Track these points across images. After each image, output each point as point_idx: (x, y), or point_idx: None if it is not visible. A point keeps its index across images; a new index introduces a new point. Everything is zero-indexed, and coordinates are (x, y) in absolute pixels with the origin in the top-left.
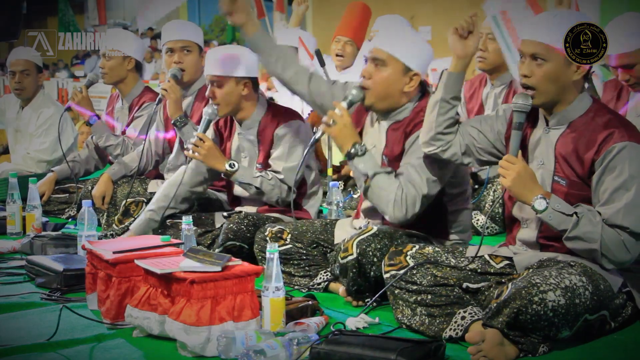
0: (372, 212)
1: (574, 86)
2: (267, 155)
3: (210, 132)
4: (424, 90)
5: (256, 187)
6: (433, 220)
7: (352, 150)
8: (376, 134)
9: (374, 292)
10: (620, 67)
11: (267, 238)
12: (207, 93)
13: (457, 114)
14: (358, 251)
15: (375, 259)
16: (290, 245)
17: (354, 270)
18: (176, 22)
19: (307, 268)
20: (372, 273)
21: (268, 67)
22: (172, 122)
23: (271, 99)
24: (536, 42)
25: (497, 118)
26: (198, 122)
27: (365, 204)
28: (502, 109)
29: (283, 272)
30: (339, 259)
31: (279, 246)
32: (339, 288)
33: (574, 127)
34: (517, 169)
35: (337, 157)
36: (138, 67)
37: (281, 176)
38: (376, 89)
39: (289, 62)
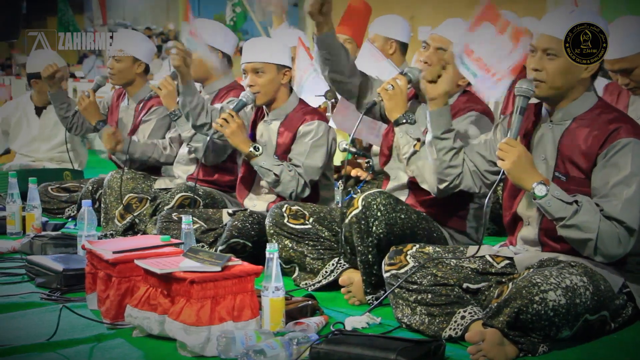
0: (396, 192)
1: (581, 83)
2: (286, 149)
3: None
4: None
5: (275, 175)
6: (457, 208)
7: (403, 118)
8: (420, 117)
9: (378, 264)
10: (619, 72)
11: (285, 214)
12: (247, 82)
13: (458, 142)
14: (363, 204)
15: (379, 213)
16: (311, 226)
17: (358, 226)
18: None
19: (322, 251)
20: (374, 228)
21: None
22: (168, 114)
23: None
24: (550, 37)
25: (496, 131)
26: None
27: (390, 185)
28: (500, 122)
29: (296, 250)
30: (346, 220)
31: (298, 225)
32: (354, 277)
33: (578, 123)
34: (517, 152)
35: (337, 157)
36: (146, 70)
37: (301, 170)
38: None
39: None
